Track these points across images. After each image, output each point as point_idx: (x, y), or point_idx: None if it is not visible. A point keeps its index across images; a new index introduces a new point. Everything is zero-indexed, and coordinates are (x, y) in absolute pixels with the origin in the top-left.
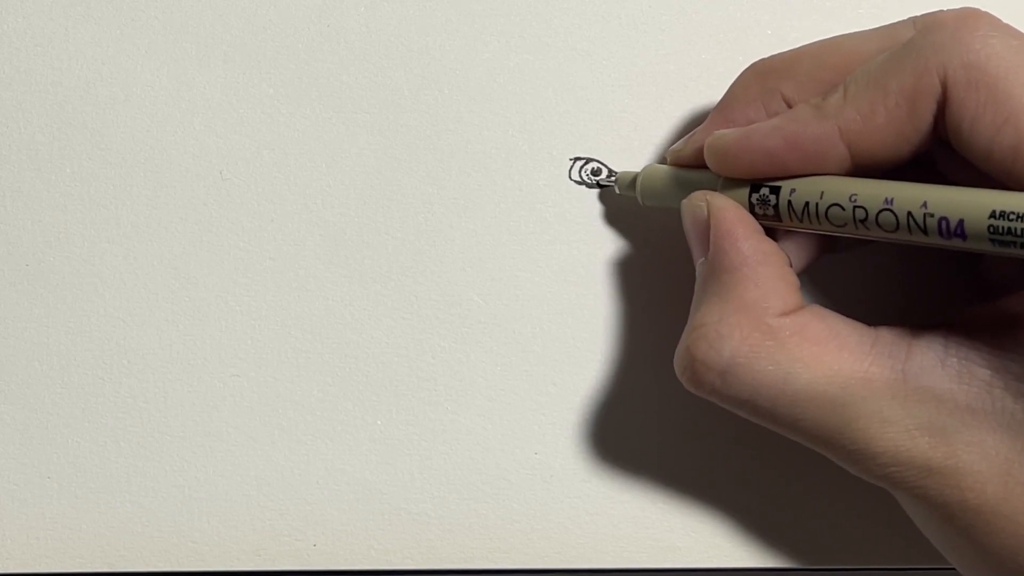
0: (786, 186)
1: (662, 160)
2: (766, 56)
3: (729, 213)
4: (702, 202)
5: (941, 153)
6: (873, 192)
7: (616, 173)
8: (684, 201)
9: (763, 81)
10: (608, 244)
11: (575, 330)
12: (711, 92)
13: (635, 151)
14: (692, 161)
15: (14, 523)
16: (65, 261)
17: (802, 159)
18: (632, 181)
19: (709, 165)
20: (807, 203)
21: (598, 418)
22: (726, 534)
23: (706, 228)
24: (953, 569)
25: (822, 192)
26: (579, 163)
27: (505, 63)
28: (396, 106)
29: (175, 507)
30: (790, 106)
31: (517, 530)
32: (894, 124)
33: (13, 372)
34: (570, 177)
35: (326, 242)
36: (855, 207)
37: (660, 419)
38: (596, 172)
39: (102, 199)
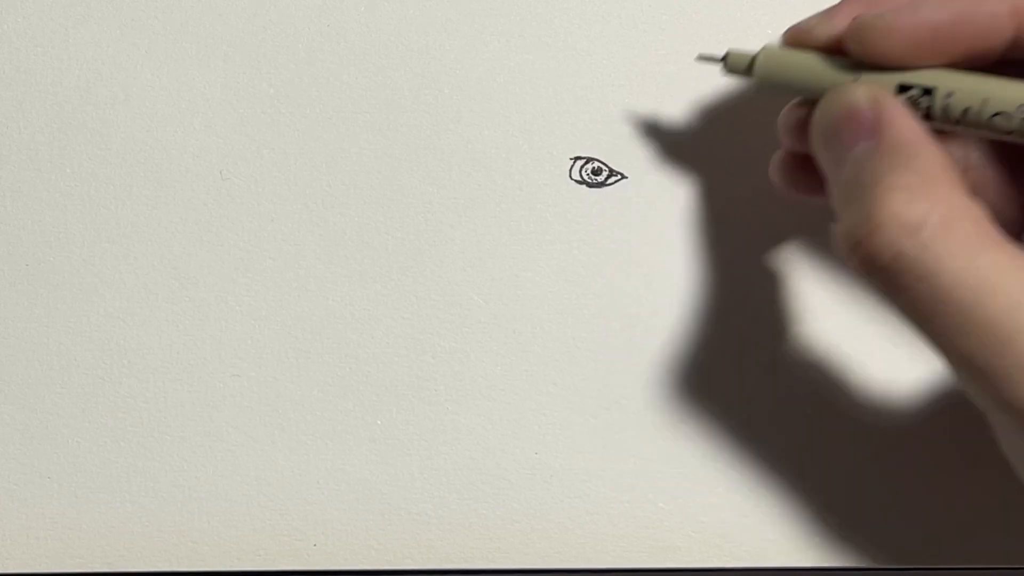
0: (942, 87)
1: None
2: None
3: (897, 102)
4: (861, 92)
5: None
6: None
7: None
8: (832, 91)
9: None
10: (608, 244)
11: (575, 330)
12: (711, 91)
13: (636, 150)
14: (823, 45)
15: (14, 523)
16: (65, 261)
17: (969, 40)
18: (749, 63)
19: (855, 47)
20: (967, 109)
21: (598, 418)
22: (726, 534)
23: (864, 117)
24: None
25: (985, 99)
26: (579, 162)
27: (505, 63)
28: (396, 106)
29: (175, 507)
30: None
31: (517, 530)
32: None
33: (13, 372)
34: (570, 177)
35: (326, 242)
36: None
37: (660, 419)
38: (597, 172)
39: (102, 199)
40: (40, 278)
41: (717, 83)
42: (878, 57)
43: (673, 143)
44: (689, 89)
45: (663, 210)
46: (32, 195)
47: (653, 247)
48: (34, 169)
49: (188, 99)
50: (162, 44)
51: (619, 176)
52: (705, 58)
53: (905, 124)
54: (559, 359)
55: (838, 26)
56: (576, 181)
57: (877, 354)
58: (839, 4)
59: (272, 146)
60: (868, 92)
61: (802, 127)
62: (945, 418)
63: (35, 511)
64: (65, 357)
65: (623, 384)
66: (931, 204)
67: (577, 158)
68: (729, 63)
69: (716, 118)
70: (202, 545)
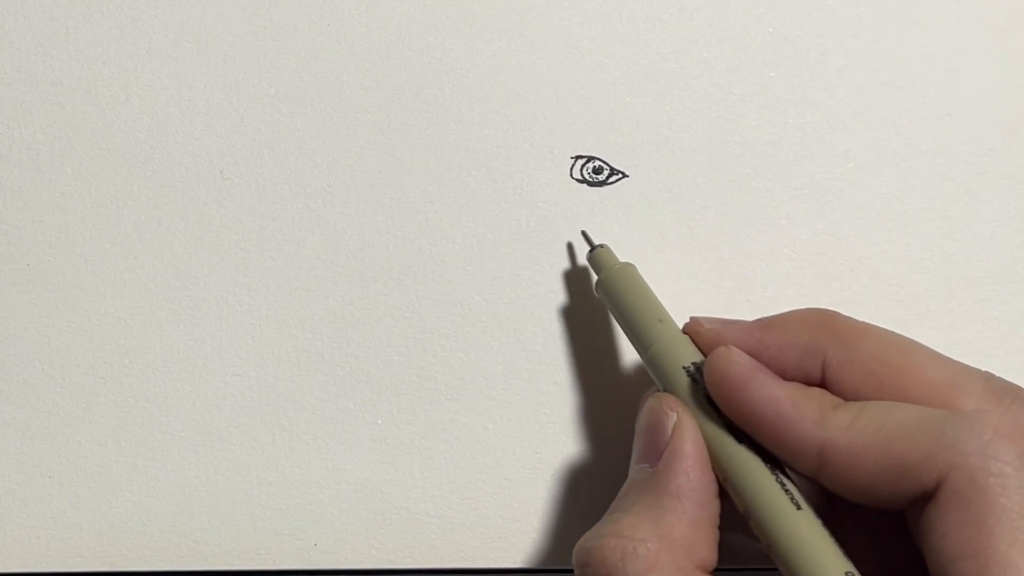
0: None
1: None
2: (840, 313)
3: (695, 439)
4: (673, 412)
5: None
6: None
7: (601, 246)
8: (653, 399)
9: (820, 335)
10: (609, 242)
11: (576, 329)
12: (712, 90)
13: (636, 149)
14: (700, 339)
15: (14, 523)
16: (65, 261)
17: (775, 441)
18: (602, 269)
19: (706, 378)
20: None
21: (598, 418)
22: (725, 533)
23: (664, 438)
24: None
25: (754, 497)
26: (580, 161)
27: (505, 62)
28: (397, 105)
29: (176, 506)
30: (824, 371)
31: (517, 530)
32: (872, 480)
33: (14, 372)
34: (571, 175)
35: (326, 242)
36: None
37: None
38: (598, 170)
39: (103, 199)
40: (40, 278)
41: (717, 81)
42: (715, 397)
43: (674, 142)
44: (690, 87)
45: (664, 208)
46: (33, 195)
47: (654, 245)
48: (35, 169)
49: (188, 99)
50: (162, 44)
51: (620, 175)
52: (584, 235)
53: (686, 470)
54: (559, 358)
55: (720, 338)
56: (577, 180)
57: None
58: (741, 323)
59: (272, 146)
60: (680, 420)
61: None
62: None
63: (36, 510)
64: (65, 357)
65: (623, 382)
66: (647, 570)
67: (578, 157)
68: (590, 258)
69: (714, 117)
70: (203, 544)
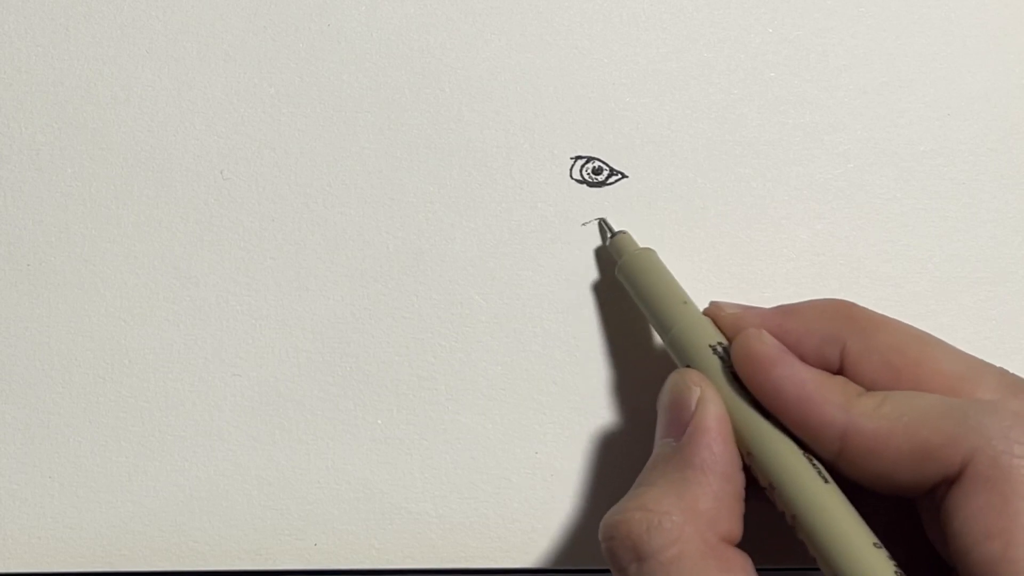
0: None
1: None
2: (860, 305)
3: (718, 413)
4: (697, 387)
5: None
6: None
7: (622, 232)
8: (675, 374)
9: (840, 324)
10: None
11: (575, 329)
12: (712, 90)
13: (636, 149)
14: (721, 322)
15: (14, 523)
16: (66, 261)
17: (798, 423)
18: (623, 254)
19: (734, 357)
20: (764, 464)
21: (598, 418)
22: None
23: (687, 413)
24: None
25: (782, 470)
26: (580, 161)
27: (505, 62)
28: (397, 105)
29: (176, 507)
30: (843, 359)
31: (517, 530)
32: (894, 466)
33: (14, 372)
34: (571, 176)
35: (326, 242)
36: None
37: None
38: (598, 171)
39: (103, 199)
40: (41, 278)
41: (718, 81)
42: (741, 375)
43: (674, 142)
44: (690, 87)
45: (663, 209)
46: (33, 195)
47: (654, 246)
48: (35, 169)
49: (188, 99)
50: (162, 44)
51: (620, 175)
52: (604, 222)
53: (709, 443)
54: (559, 359)
55: (742, 321)
56: (577, 180)
57: None
58: (761, 309)
59: (272, 146)
60: (704, 394)
61: None
62: None
63: (36, 510)
64: (65, 357)
65: (623, 382)
66: (671, 542)
67: (578, 157)
68: (611, 244)
69: (714, 117)
70: (203, 545)
